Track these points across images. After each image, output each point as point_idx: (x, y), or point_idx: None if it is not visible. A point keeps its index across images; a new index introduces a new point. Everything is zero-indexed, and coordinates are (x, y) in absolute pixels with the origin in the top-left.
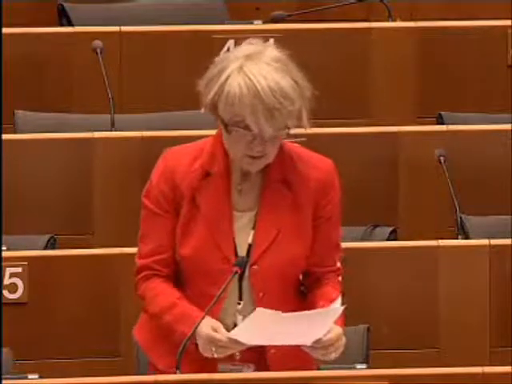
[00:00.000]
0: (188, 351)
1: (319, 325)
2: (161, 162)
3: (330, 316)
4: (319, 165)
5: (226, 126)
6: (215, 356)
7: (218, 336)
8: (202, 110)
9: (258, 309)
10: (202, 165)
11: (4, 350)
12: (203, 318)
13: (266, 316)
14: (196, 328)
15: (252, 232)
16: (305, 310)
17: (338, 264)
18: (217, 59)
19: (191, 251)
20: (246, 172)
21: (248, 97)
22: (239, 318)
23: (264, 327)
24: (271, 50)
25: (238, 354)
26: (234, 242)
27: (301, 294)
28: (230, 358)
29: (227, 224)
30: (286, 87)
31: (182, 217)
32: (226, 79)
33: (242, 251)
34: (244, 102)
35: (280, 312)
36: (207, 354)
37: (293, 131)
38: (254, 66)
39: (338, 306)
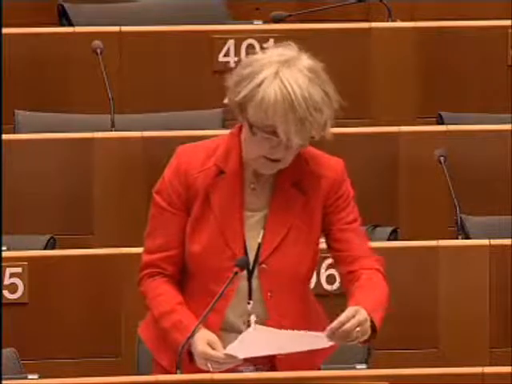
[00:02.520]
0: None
1: (314, 343)
2: (174, 159)
3: (326, 339)
4: (332, 164)
5: (251, 126)
6: (211, 370)
7: (213, 353)
8: (225, 101)
9: (254, 326)
10: (216, 163)
11: (10, 350)
12: (197, 326)
13: (261, 334)
14: (190, 337)
15: (262, 231)
16: (316, 308)
17: (374, 256)
18: (247, 59)
19: (201, 248)
20: (258, 172)
21: (282, 105)
22: (252, 318)
23: (259, 342)
24: (305, 58)
25: None
26: (244, 241)
27: (310, 295)
28: (250, 359)
29: (238, 223)
30: (319, 99)
31: (194, 213)
32: (261, 83)
33: (252, 250)
34: (277, 110)
35: (276, 330)
36: (204, 368)
37: None
38: (289, 74)
39: (325, 336)
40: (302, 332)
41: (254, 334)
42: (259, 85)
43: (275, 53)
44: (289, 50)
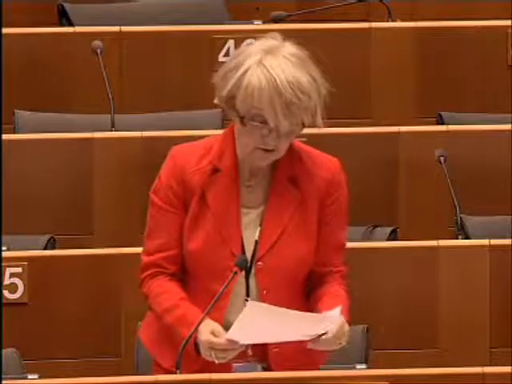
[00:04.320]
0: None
1: (314, 327)
2: (169, 158)
3: (326, 322)
4: (327, 164)
5: (241, 118)
6: (216, 362)
7: (216, 340)
8: (215, 101)
9: (249, 302)
10: (211, 161)
11: (11, 350)
12: (201, 320)
13: (258, 310)
14: (194, 331)
15: (259, 229)
16: (309, 309)
17: (343, 265)
18: (234, 53)
19: (198, 246)
20: (254, 169)
21: (267, 90)
22: (249, 299)
23: (258, 324)
24: (289, 46)
25: (250, 351)
26: (242, 238)
27: (306, 294)
28: (243, 356)
29: (235, 220)
30: (304, 82)
31: (191, 212)
32: (245, 72)
33: (249, 247)
34: (263, 95)
35: (272, 307)
36: (209, 359)
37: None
38: (273, 60)
39: (336, 314)
40: (299, 313)
41: (252, 314)
42: (244, 73)
43: (259, 43)
44: (273, 40)
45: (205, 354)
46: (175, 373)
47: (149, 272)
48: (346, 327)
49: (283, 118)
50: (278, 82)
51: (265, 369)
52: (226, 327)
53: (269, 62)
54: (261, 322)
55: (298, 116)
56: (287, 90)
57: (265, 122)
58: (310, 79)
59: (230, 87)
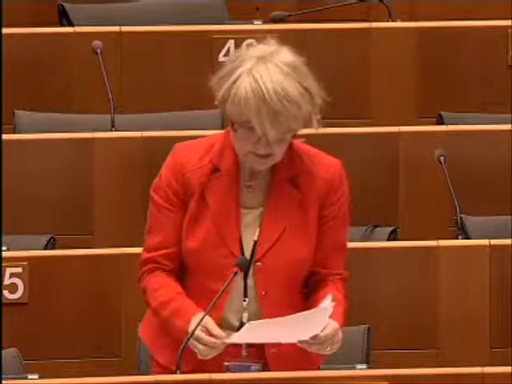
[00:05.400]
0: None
1: (313, 324)
2: (170, 157)
3: (322, 314)
4: (327, 164)
5: (232, 124)
6: (199, 357)
7: (199, 334)
8: (216, 102)
9: (249, 323)
10: (212, 160)
11: (12, 350)
12: (202, 319)
13: (258, 325)
14: (195, 329)
15: (258, 229)
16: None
17: (343, 269)
18: (232, 56)
19: (197, 245)
20: (254, 170)
21: (253, 99)
22: (245, 315)
23: (260, 331)
24: (285, 53)
25: (245, 352)
26: (241, 239)
27: (305, 296)
28: (238, 355)
29: (234, 220)
30: (293, 92)
31: (190, 210)
32: (236, 80)
33: (248, 248)
34: (249, 105)
35: (270, 320)
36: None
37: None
38: (263, 69)
39: (328, 304)
40: (294, 316)
41: (252, 329)
42: (234, 82)
43: (255, 49)
44: (270, 46)
45: (190, 343)
46: (172, 369)
47: (147, 267)
48: (340, 335)
49: (270, 127)
50: (265, 91)
51: (260, 369)
52: (224, 326)
53: (258, 71)
54: (262, 330)
55: (286, 125)
56: (274, 100)
57: (253, 130)
58: (300, 89)
59: (222, 93)
